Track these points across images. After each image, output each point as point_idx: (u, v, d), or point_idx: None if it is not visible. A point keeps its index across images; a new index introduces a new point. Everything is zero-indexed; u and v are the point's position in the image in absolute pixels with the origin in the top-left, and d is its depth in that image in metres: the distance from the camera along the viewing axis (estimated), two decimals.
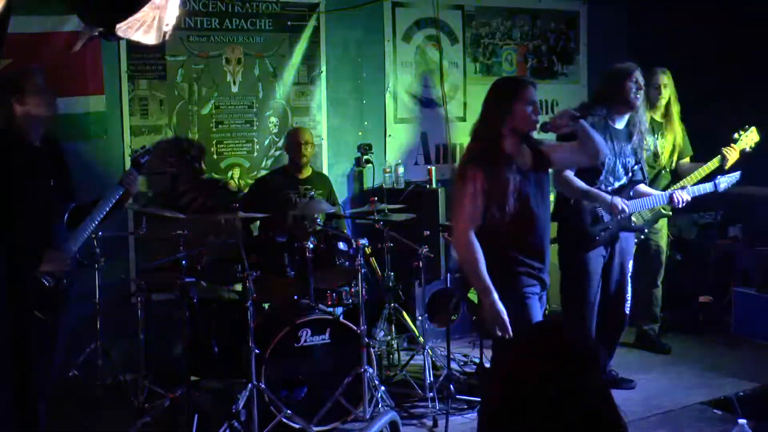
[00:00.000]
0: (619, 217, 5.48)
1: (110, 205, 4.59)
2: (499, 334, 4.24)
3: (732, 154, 5.98)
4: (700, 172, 6.04)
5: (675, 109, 6.36)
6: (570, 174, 5.33)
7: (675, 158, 6.40)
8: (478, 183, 4.31)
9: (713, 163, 6.02)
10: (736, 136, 6.02)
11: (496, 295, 4.25)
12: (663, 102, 6.34)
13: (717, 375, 6.27)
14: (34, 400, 4.37)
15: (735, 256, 7.46)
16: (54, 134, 4.65)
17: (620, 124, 5.58)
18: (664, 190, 6.05)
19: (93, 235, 5.34)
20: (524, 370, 2.13)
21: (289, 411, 5.08)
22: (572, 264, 5.59)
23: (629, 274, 5.75)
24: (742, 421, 3.69)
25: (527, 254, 4.38)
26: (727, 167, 5.98)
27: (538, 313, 4.41)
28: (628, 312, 5.80)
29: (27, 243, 4.27)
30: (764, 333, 6.91)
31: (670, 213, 6.31)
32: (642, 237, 6.16)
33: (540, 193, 4.44)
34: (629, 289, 5.75)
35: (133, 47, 6.29)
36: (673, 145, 6.33)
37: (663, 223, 6.49)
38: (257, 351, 5.04)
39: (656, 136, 6.26)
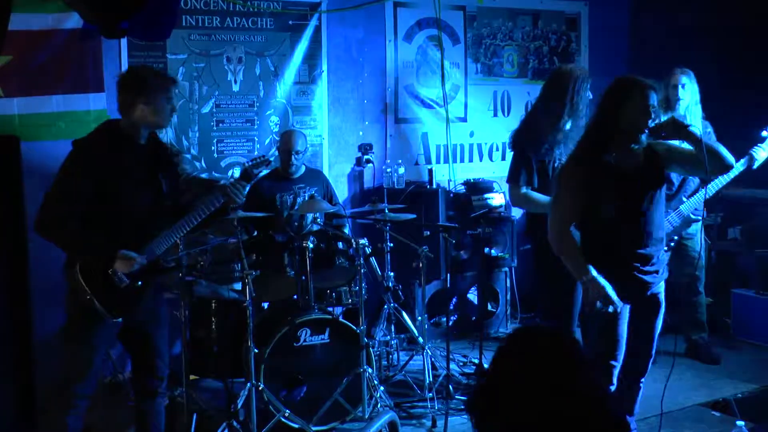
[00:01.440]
0: None
1: (205, 213, 4.48)
2: (604, 307, 4.27)
3: (761, 154, 5.78)
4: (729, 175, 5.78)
5: (696, 111, 6.20)
6: (530, 191, 5.26)
7: None
8: (575, 180, 4.34)
9: (741, 164, 5.75)
10: (765, 134, 5.80)
11: (594, 272, 4.26)
12: (683, 103, 6.15)
13: (716, 377, 6.27)
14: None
15: (734, 257, 7.46)
16: (156, 134, 4.58)
17: None
18: (693, 192, 6.05)
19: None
20: (510, 371, 2.14)
21: (288, 411, 5.09)
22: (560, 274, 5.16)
23: None
24: (740, 423, 3.70)
25: (629, 255, 4.41)
26: (755, 167, 5.83)
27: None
28: None
29: (118, 240, 4.20)
30: (763, 335, 6.92)
31: (700, 218, 6.22)
32: (673, 244, 6.10)
33: (646, 195, 4.42)
34: None
35: (134, 45, 6.29)
36: None
37: (696, 228, 6.32)
38: (256, 350, 5.04)
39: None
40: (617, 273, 4.35)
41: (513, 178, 5.26)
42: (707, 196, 5.86)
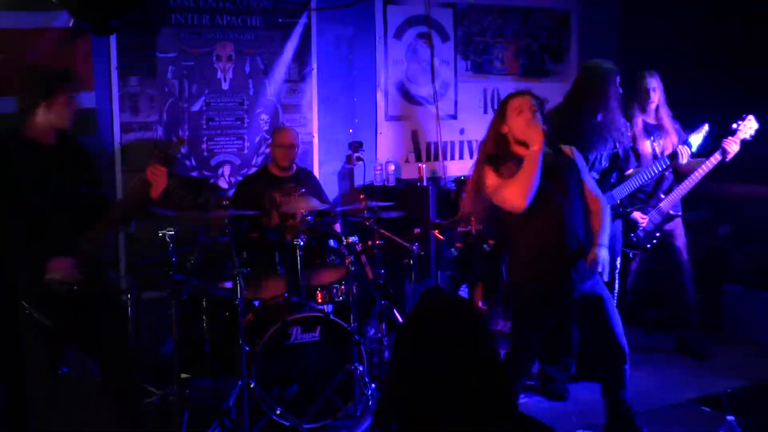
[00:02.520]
0: None
1: (130, 203, 4.40)
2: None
3: (732, 146, 5.90)
4: (703, 168, 6.02)
5: (664, 111, 6.35)
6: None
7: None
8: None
9: (715, 158, 5.95)
10: (734, 126, 5.91)
11: None
12: (653, 106, 6.32)
13: (706, 372, 6.29)
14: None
15: (725, 254, 7.49)
16: (69, 132, 4.43)
17: None
18: (668, 190, 6.12)
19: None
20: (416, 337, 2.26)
21: (279, 408, 5.09)
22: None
23: (617, 271, 5.79)
24: (730, 418, 3.71)
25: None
26: (729, 159, 5.93)
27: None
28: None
29: (38, 249, 4.10)
30: (754, 331, 6.95)
31: (680, 213, 6.29)
32: (655, 241, 6.16)
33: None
34: (617, 285, 5.83)
35: (124, 44, 6.28)
36: (672, 146, 6.29)
37: (677, 225, 6.42)
38: (248, 348, 5.04)
39: (652, 138, 6.25)
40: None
41: None
42: (685, 193, 6.01)
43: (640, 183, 5.82)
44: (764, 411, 5.27)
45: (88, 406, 4.54)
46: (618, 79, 5.60)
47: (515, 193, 4.47)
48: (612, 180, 5.72)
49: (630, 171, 5.82)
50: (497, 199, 4.59)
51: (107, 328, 4.43)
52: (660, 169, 5.81)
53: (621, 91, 5.61)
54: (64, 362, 5.27)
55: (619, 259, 5.84)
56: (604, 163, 5.62)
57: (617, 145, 5.62)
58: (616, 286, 5.83)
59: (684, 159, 5.78)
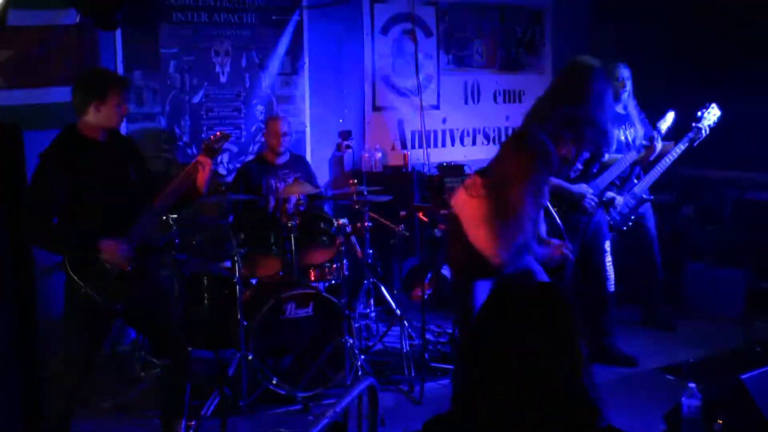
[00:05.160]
0: (592, 202, 5.55)
1: (177, 193, 4.32)
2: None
3: (702, 132, 5.97)
4: (673, 154, 6.04)
5: (631, 101, 6.36)
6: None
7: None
8: None
9: (683, 143, 5.99)
10: (699, 114, 6.00)
11: None
12: (625, 95, 6.27)
13: (670, 344, 6.35)
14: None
15: (687, 233, 7.53)
16: (118, 130, 4.47)
17: None
18: (640, 176, 6.14)
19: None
20: (496, 320, 2.03)
21: (275, 378, 5.12)
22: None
23: (607, 254, 5.79)
24: (692, 384, 3.76)
25: None
26: (696, 144, 5.99)
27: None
28: (612, 290, 5.85)
29: (99, 231, 4.07)
30: (714, 305, 6.98)
31: (652, 197, 6.33)
32: (630, 224, 6.19)
33: None
34: (609, 268, 5.81)
35: (128, 40, 6.27)
36: (641, 134, 6.29)
37: (647, 208, 6.44)
38: (245, 323, 5.07)
39: (624, 126, 6.25)
40: None
41: None
42: (657, 177, 6.03)
43: (620, 171, 5.85)
44: (723, 378, 5.32)
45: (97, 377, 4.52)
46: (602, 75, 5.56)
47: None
48: (593, 170, 5.74)
49: (606, 158, 5.82)
50: None
51: (157, 308, 4.41)
52: (636, 156, 5.85)
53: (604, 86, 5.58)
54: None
55: (608, 242, 5.83)
56: (586, 154, 5.62)
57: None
58: (607, 267, 5.81)
59: (659, 145, 5.83)
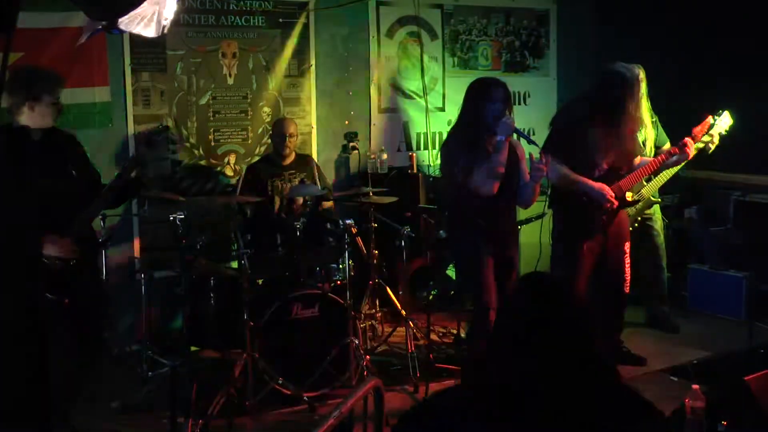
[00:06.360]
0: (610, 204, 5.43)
1: (117, 187, 4.36)
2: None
3: (713, 139, 5.79)
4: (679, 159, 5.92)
5: (646, 104, 6.24)
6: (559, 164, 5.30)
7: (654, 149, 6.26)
8: None
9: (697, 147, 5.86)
10: (712, 121, 5.78)
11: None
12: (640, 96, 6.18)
13: (674, 345, 6.32)
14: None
15: (691, 235, 7.51)
16: (55, 126, 4.40)
17: None
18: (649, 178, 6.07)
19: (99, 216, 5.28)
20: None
21: (281, 379, 5.11)
22: (572, 251, 5.48)
23: (626, 256, 5.70)
24: (695, 386, 3.73)
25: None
26: (710, 152, 5.83)
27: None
28: (627, 291, 5.75)
29: (35, 230, 4.04)
30: (717, 306, 6.97)
31: (660, 200, 6.28)
32: (636, 225, 6.14)
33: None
34: (627, 270, 5.66)
35: (136, 42, 6.27)
36: (655, 136, 6.20)
37: (656, 209, 6.41)
38: (252, 323, 5.05)
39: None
40: None
41: None
42: (664, 182, 5.99)
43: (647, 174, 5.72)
44: (727, 379, 5.30)
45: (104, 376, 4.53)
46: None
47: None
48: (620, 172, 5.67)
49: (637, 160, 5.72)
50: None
51: (91, 305, 4.44)
52: (671, 160, 5.64)
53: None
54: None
55: (627, 245, 5.72)
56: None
57: None
58: (627, 270, 5.73)
59: (692, 151, 5.59)
